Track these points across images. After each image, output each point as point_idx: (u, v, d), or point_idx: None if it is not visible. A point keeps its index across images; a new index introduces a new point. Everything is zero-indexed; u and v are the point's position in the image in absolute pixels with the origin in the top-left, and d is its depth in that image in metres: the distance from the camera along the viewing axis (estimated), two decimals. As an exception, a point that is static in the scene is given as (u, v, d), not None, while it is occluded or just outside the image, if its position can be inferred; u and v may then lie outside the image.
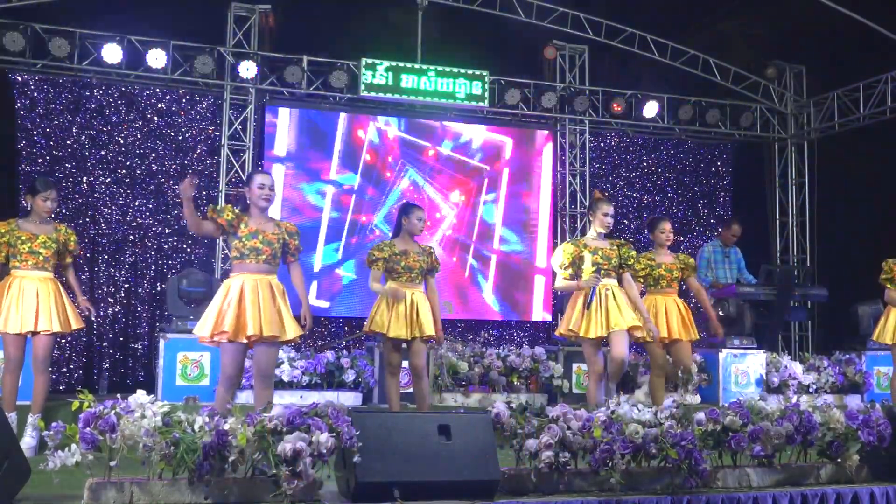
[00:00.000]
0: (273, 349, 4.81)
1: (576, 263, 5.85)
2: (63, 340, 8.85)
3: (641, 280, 6.38)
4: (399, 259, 5.86)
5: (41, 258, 5.51)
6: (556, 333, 6.35)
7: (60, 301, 5.54)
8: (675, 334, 6.30)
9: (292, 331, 4.77)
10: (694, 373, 7.75)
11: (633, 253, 6.01)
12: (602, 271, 5.81)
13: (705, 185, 11.81)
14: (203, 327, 4.74)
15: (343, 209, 10.20)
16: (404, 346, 5.92)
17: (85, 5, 9.10)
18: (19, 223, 5.57)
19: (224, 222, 4.80)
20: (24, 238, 5.48)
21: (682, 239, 11.33)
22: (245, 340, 4.69)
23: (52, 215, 5.73)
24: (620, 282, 5.91)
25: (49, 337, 5.50)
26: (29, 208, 5.63)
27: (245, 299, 4.67)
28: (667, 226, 6.53)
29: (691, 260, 6.59)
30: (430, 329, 5.83)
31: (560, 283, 5.98)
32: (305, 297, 5.06)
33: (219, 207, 4.90)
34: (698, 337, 6.53)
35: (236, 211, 4.84)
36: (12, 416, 5.23)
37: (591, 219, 6.04)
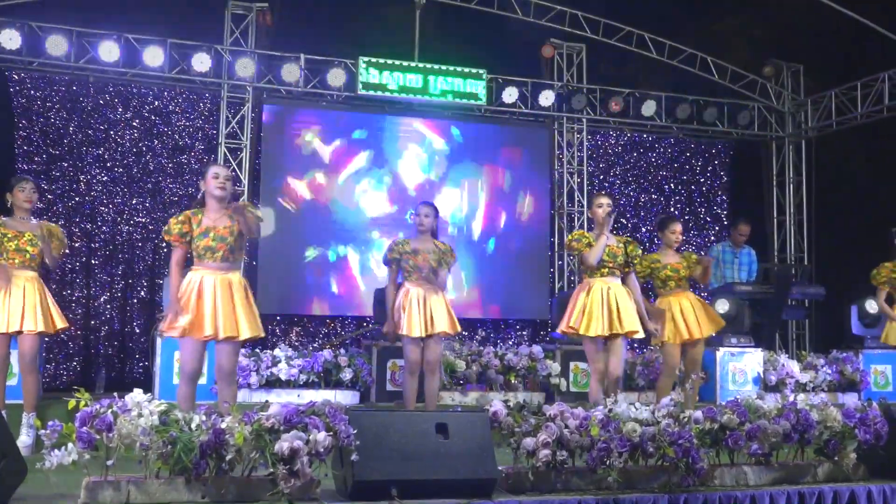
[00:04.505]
0: (233, 347, 4.73)
1: (590, 246, 5.83)
2: (59, 338, 8.84)
3: (643, 280, 6.29)
4: (409, 258, 5.95)
5: (28, 256, 5.48)
6: (557, 331, 6.33)
7: (45, 301, 5.51)
8: (696, 334, 6.23)
9: (248, 330, 4.67)
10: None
11: (640, 251, 5.99)
12: (606, 269, 5.82)
13: (703, 184, 11.82)
14: (162, 323, 4.76)
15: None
16: (421, 343, 5.98)
17: (82, 3, 9.08)
18: (5, 221, 5.54)
19: (177, 238, 4.67)
20: (10, 236, 5.45)
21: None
22: (205, 338, 4.65)
23: (33, 210, 5.67)
24: (624, 280, 5.91)
25: (35, 336, 5.47)
26: (9, 206, 5.59)
27: (203, 298, 4.62)
28: (677, 227, 6.43)
29: (694, 256, 6.52)
30: (443, 325, 5.90)
31: (592, 254, 5.79)
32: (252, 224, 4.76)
33: (165, 228, 4.74)
34: (723, 323, 6.50)
35: (181, 217, 4.71)
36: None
37: (591, 216, 6.08)
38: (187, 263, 4.82)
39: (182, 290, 4.68)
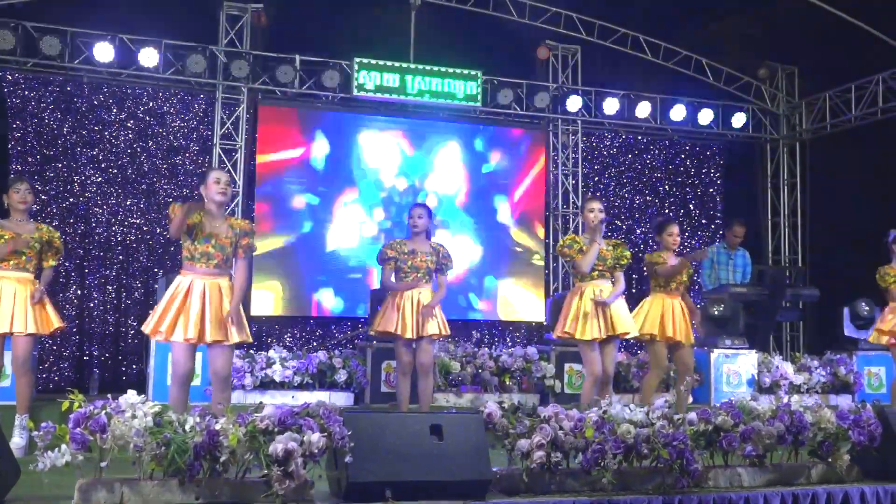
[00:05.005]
0: (225, 351, 4.74)
1: (582, 251, 5.89)
2: (53, 340, 8.80)
3: (655, 272, 6.44)
4: (406, 259, 5.99)
5: (23, 258, 5.47)
6: (553, 335, 6.39)
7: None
8: (679, 336, 6.34)
9: (235, 335, 4.70)
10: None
11: (628, 254, 6.06)
12: (597, 272, 5.87)
13: (697, 186, 11.83)
14: (148, 324, 4.74)
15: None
16: (414, 345, 5.99)
17: (76, 4, 9.05)
18: (1, 223, 5.53)
19: (192, 224, 4.73)
20: (6, 237, 5.43)
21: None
22: (187, 341, 4.65)
23: (29, 211, 5.68)
24: (613, 281, 5.96)
25: (28, 338, 5.45)
26: (6, 207, 5.59)
27: (190, 300, 4.64)
28: (674, 229, 6.53)
29: (691, 270, 6.58)
30: (433, 328, 5.93)
31: (585, 261, 5.87)
32: (239, 297, 4.80)
33: (187, 209, 4.75)
34: (693, 341, 6.57)
35: (201, 214, 4.74)
36: (-7, 416, 5.21)
37: (583, 221, 6.11)
38: (178, 265, 4.81)
39: (171, 293, 4.71)
